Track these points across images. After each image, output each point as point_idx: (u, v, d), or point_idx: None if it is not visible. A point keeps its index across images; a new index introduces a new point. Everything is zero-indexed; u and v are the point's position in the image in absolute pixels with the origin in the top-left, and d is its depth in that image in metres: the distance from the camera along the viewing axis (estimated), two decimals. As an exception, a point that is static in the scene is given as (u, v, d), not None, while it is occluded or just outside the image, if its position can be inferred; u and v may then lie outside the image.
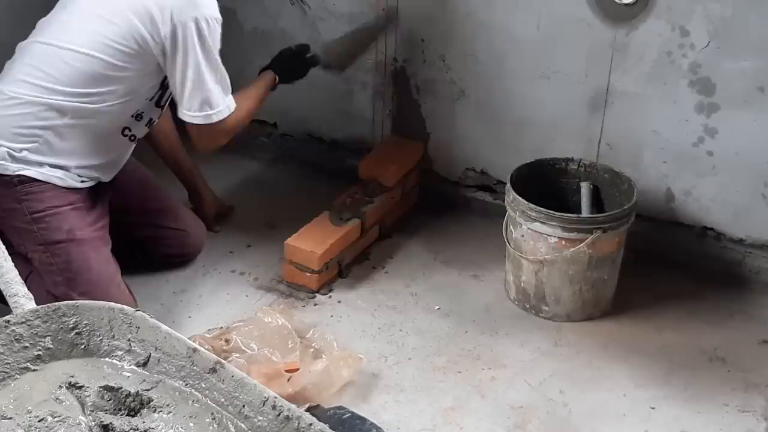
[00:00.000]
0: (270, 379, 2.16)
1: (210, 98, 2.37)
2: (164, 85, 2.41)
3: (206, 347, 2.21)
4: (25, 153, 2.29)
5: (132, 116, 2.42)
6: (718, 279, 2.74)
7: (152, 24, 2.26)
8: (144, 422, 1.34)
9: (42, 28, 2.38)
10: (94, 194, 2.45)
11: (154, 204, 2.69)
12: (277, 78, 2.69)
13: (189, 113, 2.39)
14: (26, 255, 2.33)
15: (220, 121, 2.41)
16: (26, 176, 2.29)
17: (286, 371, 2.22)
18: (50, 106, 2.28)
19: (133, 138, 2.48)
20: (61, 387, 1.37)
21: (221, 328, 2.42)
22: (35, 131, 2.29)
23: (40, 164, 2.31)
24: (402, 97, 3.08)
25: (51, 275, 2.32)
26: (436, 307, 2.64)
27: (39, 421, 1.29)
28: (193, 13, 2.27)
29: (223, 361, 1.41)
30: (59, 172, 2.33)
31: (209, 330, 2.42)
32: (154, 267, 2.70)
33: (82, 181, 2.40)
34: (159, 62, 2.33)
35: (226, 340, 2.32)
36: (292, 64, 2.76)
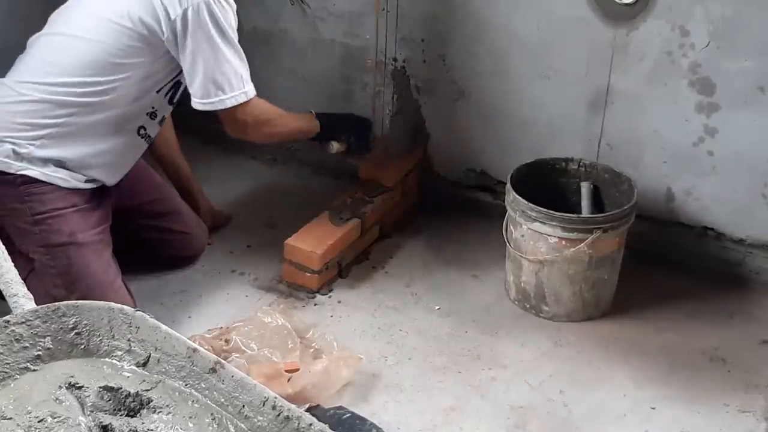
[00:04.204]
0: (270, 379, 2.16)
1: (221, 82, 2.32)
2: (176, 80, 2.39)
3: (206, 347, 2.21)
4: (30, 149, 2.26)
5: (147, 114, 2.40)
6: (718, 279, 2.74)
7: (160, 7, 2.23)
8: (143, 423, 1.34)
9: (52, 21, 2.38)
10: (98, 195, 2.43)
11: (161, 206, 2.68)
12: (319, 132, 2.70)
13: (201, 101, 2.34)
14: (27, 254, 2.32)
15: (237, 106, 2.36)
16: (29, 176, 2.27)
17: (286, 371, 2.22)
18: (57, 103, 2.26)
19: (148, 138, 2.47)
20: (61, 387, 1.37)
21: (221, 328, 2.42)
22: (41, 129, 2.27)
23: (44, 163, 2.28)
24: (402, 97, 3.08)
25: (51, 277, 2.31)
26: (436, 307, 2.64)
27: (39, 421, 1.29)
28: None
29: (223, 361, 1.41)
30: (63, 173, 2.31)
31: (209, 330, 2.41)
32: (155, 267, 2.70)
33: (86, 181, 2.37)
34: (169, 50, 2.29)
35: (226, 340, 2.32)
36: (356, 132, 2.82)
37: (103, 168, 2.40)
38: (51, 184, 2.30)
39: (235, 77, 2.35)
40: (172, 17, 2.24)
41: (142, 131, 2.42)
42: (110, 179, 2.45)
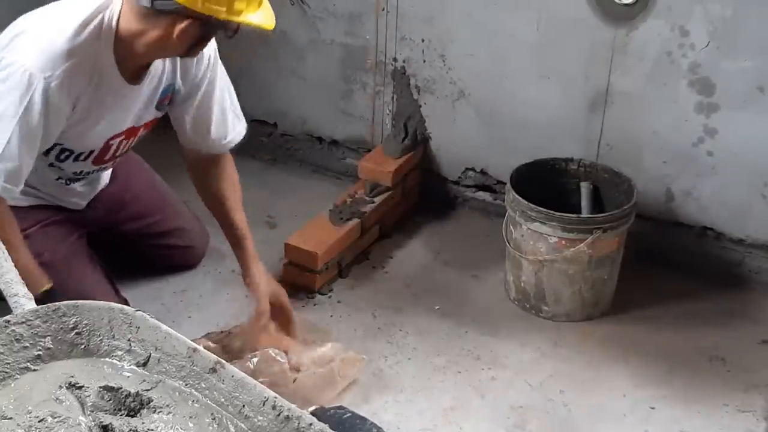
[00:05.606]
0: (275, 380, 2.16)
1: None
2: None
3: (213, 346, 2.22)
4: None
5: (57, 179, 2.26)
6: (718, 279, 2.74)
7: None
8: (143, 423, 1.34)
9: None
10: (66, 208, 2.36)
11: (165, 225, 2.64)
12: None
13: None
14: None
15: None
16: None
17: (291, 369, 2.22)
18: None
19: (69, 182, 2.32)
20: (61, 387, 1.37)
21: (222, 330, 2.41)
22: None
23: None
24: (402, 97, 3.08)
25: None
26: (436, 307, 2.64)
27: (39, 421, 1.29)
28: (3, 53, 1.98)
29: (223, 361, 1.41)
30: (19, 196, 2.13)
31: (208, 333, 2.40)
32: (155, 267, 2.70)
33: (46, 199, 2.30)
34: None
35: (230, 341, 2.31)
36: None
37: (54, 200, 2.31)
38: (10, 206, 2.13)
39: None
40: None
41: (69, 181, 2.26)
42: (71, 206, 2.38)
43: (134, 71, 2.13)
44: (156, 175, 2.69)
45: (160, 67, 2.19)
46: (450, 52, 2.93)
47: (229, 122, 2.38)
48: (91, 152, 2.23)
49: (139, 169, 2.64)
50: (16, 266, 1.99)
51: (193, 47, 2.05)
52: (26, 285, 1.96)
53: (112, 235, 2.53)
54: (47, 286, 2.10)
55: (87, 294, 2.19)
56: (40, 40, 1.98)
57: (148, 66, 2.15)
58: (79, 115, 2.09)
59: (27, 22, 2.06)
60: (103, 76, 2.07)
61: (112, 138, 2.23)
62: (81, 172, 2.29)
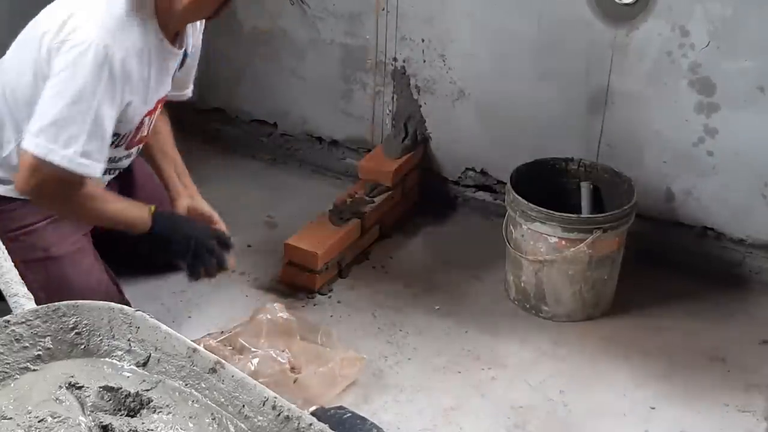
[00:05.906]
0: (276, 379, 2.16)
1: (51, 130, 1.98)
2: None
3: (214, 344, 2.22)
4: None
5: None
6: (718, 279, 2.74)
7: (40, 47, 2.04)
8: (143, 423, 1.34)
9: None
10: None
11: None
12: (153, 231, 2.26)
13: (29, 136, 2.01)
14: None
15: (51, 164, 2.00)
16: None
17: (291, 370, 2.22)
18: (9, 122, 2.15)
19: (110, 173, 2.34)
20: (61, 387, 1.37)
21: (222, 331, 2.40)
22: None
23: (10, 181, 2.17)
24: (402, 97, 3.08)
25: (33, 291, 2.23)
26: (436, 307, 2.64)
27: (39, 421, 1.29)
28: (62, 37, 1.99)
29: (223, 361, 1.41)
30: None
31: (210, 334, 2.40)
32: (155, 267, 2.70)
33: None
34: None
35: (231, 342, 2.31)
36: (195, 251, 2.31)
37: None
38: (20, 199, 2.16)
39: (60, 130, 1.99)
40: (43, 57, 2.03)
41: None
42: None
43: (172, 37, 2.18)
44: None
45: (186, 33, 2.25)
46: (450, 52, 2.93)
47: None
48: (129, 132, 2.26)
49: (141, 163, 2.65)
50: (123, 209, 2.22)
51: (221, 7, 2.11)
52: (138, 214, 2.24)
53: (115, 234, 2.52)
54: (153, 207, 2.27)
55: (91, 290, 2.25)
56: (98, 15, 2.00)
57: (180, 31, 2.20)
58: (140, 84, 2.13)
59: (67, 6, 2.07)
60: (151, 44, 2.11)
61: (146, 114, 2.26)
62: (113, 158, 2.30)
